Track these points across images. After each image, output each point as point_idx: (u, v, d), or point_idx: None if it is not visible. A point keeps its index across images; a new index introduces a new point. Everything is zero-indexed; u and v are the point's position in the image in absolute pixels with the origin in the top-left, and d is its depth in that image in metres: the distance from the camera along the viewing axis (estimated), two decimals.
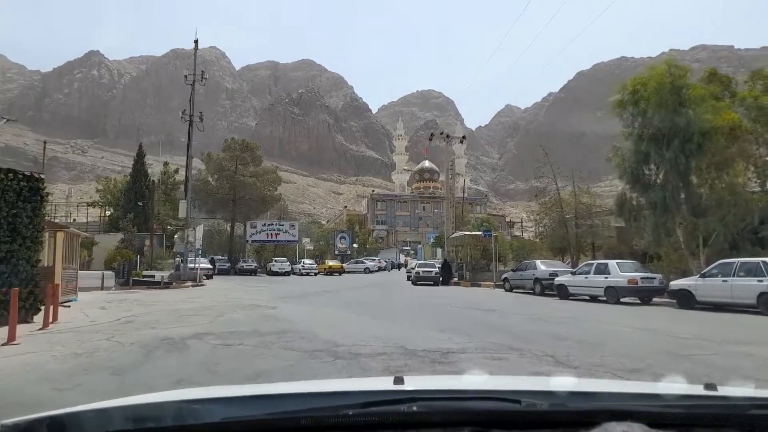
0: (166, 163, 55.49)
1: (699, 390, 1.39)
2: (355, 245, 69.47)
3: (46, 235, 15.72)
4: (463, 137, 35.77)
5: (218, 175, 46.78)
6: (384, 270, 56.08)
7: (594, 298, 19.03)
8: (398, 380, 1.39)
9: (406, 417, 1.13)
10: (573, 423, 1.13)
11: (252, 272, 44.00)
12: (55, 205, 52.32)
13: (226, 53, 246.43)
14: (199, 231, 27.98)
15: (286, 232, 48.69)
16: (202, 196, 47.43)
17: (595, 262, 19.66)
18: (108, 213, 42.36)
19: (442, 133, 35.38)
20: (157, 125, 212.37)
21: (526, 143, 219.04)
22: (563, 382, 1.73)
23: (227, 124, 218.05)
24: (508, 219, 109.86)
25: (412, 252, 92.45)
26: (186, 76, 28.64)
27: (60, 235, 15.66)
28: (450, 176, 36.12)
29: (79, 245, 18.21)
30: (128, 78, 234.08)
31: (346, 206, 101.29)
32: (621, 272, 17.87)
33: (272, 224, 48.82)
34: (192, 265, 29.80)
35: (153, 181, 41.28)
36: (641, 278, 17.63)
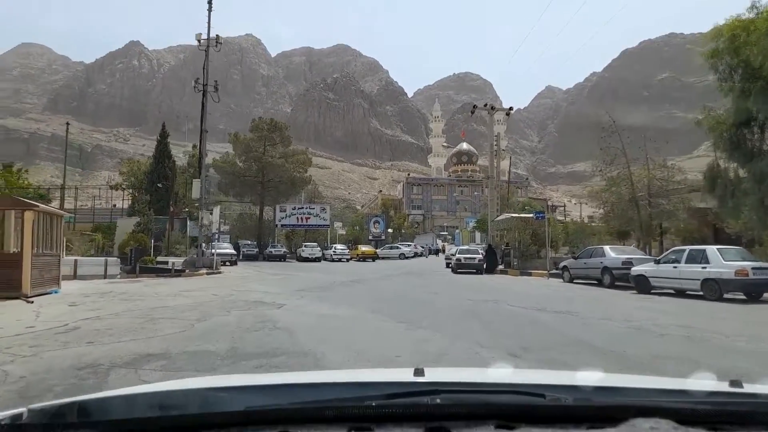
0: (194, 146, 53.21)
1: (725, 387, 1.33)
2: (389, 230, 66.12)
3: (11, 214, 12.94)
4: (510, 109, 31.72)
5: (245, 157, 44.03)
6: (420, 256, 52.64)
7: (681, 293, 15.15)
8: (419, 372, 1.36)
9: (430, 409, 1.12)
10: (599, 418, 1.10)
11: (281, 258, 41.33)
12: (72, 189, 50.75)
13: (262, 40, 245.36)
14: (216, 213, 25.08)
15: (317, 215, 45.71)
16: (229, 179, 44.96)
17: (688, 248, 15.66)
18: (131, 196, 40.19)
19: (486, 105, 31.50)
20: (195, 112, 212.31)
21: (567, 126, 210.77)
22: (589, 377, 1.58)
23: (263, 110, 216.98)
24: (549, 203, 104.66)
25: (450, 237, 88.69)
26: (199, 42, 25.61)
27: (28, 215, 12.81)
28: (495, 153, 32.25)
29: (61, 227, 15.37)
30: (167, 67, 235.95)
31: (381, 190, 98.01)
32: (725, 261, 13.89)
33: (302, 208, 45.93)
34: (211, 250, 27.11)
35: (174, 161, 38.81)
36: (753, 269, 13.62)
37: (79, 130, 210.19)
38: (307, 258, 41.10)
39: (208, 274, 22.60)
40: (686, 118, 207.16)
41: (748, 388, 1.34)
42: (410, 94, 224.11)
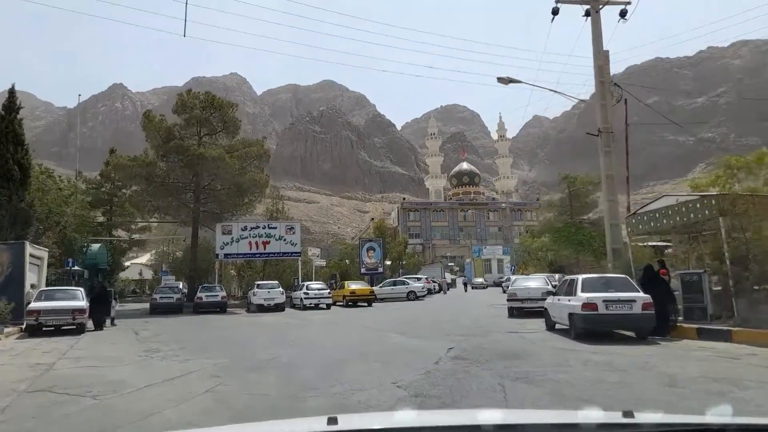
0: (113, 150, 36.43)
1: (617, 417, 1.35)
2: (387, 261, 48.67)
3: None
4: (629, 2, 15.33)
5: (165, 149, 26.76)
6: (437, 292, 35.35)
7: None
8: (332, 420, 1.29)
9: None
10: None
11: (218, 308, 23.88)
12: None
13: (247, 79, 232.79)
14: None
15: (281, 238, 28.27)
16: (143, 186, 27.70)
17: None
18: None
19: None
20: None
21: (558, 153, 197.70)
22: (490, 416, 1.60)
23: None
24: None
25: (457, 268, 71.56)
26: None
27: None
28: (605, 88, 15.84)
29: None
30: (151, 109, 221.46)
31: (373, 218, 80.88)
32: None
33: (256, 227, 28.40)
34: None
35: (27, 150, 21.77)
36: None
37: (60, 174, 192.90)
38: (262, 306, 23.75)
39: None
40: (677, 140, 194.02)
41: (639, 417, 1.31)
42: (398, 127, 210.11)
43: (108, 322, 17.16)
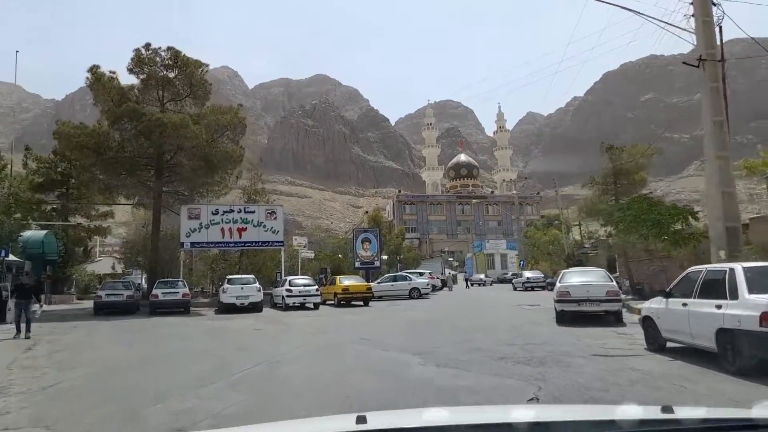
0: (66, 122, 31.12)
1: (656, 413, 1.31)
2: (384, 256, 43.85)
3: None
4: None
5: (114, 114, 21.66)
6: (440, 289, 30.59)
7: None
8: (360, 419, 1.26)
9: None
10: None
11: (181, 307, 19.04)
12: None
13: (239, 72, 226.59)
14: None
15: (261, 224, 23.30)
16: (91, 160, 22.58)
17: None
18: None
19: None
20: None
21: (552, 149, 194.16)
22: (524, 414, 1.53)
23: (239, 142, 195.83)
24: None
25: (456, 263, 66.91)
26: None
27: None
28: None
29: None
30: None
31: (367, 211, 75.94)
32: None
33: (230, 210, 23.38)
34: None
35: None
36: None
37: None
38: (234, 305, 18.86)
39: None
40: (672, 138, 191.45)
41: (678, 412, 1.26)
42: (392, 123, 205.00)
43: (22, 329, 12.17)
